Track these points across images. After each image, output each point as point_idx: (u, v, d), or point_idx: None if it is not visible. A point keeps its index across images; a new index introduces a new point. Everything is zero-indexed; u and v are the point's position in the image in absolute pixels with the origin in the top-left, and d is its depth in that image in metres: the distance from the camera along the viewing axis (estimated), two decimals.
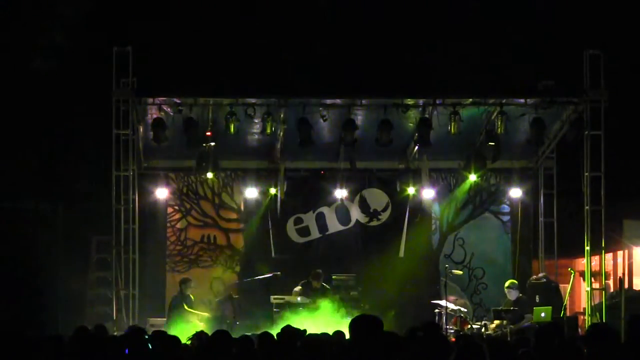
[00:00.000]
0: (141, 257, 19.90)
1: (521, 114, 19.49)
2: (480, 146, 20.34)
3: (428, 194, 21.32)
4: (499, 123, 19.15)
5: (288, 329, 10.16)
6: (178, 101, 19.04)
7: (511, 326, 18.46)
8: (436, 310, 19.16)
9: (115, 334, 16.50)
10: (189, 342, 11.19)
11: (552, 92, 19.35)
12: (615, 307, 19.28)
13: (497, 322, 18.93)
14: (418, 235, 21.77)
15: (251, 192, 21.26)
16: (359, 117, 19.63)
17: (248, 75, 21.82)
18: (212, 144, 19.50)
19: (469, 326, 18.89)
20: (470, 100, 19.31)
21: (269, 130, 19.15)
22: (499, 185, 21.94)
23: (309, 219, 21.72)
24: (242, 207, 21.71)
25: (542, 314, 18.59)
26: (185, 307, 19.50)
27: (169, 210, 21.69)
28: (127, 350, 8.99)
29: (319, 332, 11.36)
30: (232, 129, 19.03)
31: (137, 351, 8.89)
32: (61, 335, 9.93)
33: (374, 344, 7.48)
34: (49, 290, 20.73)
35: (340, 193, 21.30)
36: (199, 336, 11.76)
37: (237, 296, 20.55)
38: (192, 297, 19.88)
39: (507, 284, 19.77)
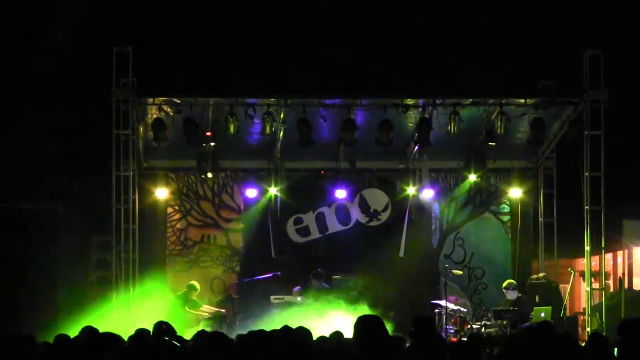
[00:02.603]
0: (141, 257, 19.88)
1: (521, 114, 19.49)
2: (480, 146, 20.35)
3: (428, 194, 21.32)
4: (499, 123, 19.13)
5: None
6: (178, 101, 19.04)
7: (513, 330, 18.36)
8: (436, 310, 19.16)
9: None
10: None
11: (552, 92, 19.36)
12: (615, 307, 19.27)
13: (497, 322, 18.92)
14: (418, 235, 21.77)
15: (251, 192, 21.27)
16: (359, 117, 19.63)
17: (248, 75, 21.80)
18: (212, 144, 19.50)
19: (469, 326, 18.90)
20: (470, 100, 19.31)
21: (268, 130, 19.14)
22: (499, 185, 21.96)
23: (309, 219, 21.72)
24: (242, 207, 21.72)
25: (542, 314, 18.59)
26: (187, 308, 19.51)
27: (169, 210, 21.70)
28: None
29: (318, 332, 11.32)
30: (232, 129, 19.01)
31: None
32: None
33: (377, 344, 7.49)
34: (49, 291, 20.71)
35: (340, 193, 21.31)
36: (199, 335, 11.76)
37: (237, 296, 20.56)
38: (196, 301, 19.92)
39: (505, 284, 19.79)
